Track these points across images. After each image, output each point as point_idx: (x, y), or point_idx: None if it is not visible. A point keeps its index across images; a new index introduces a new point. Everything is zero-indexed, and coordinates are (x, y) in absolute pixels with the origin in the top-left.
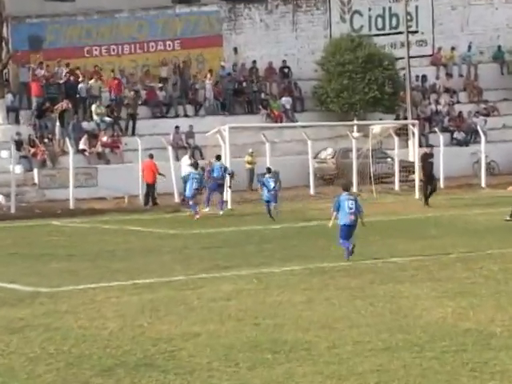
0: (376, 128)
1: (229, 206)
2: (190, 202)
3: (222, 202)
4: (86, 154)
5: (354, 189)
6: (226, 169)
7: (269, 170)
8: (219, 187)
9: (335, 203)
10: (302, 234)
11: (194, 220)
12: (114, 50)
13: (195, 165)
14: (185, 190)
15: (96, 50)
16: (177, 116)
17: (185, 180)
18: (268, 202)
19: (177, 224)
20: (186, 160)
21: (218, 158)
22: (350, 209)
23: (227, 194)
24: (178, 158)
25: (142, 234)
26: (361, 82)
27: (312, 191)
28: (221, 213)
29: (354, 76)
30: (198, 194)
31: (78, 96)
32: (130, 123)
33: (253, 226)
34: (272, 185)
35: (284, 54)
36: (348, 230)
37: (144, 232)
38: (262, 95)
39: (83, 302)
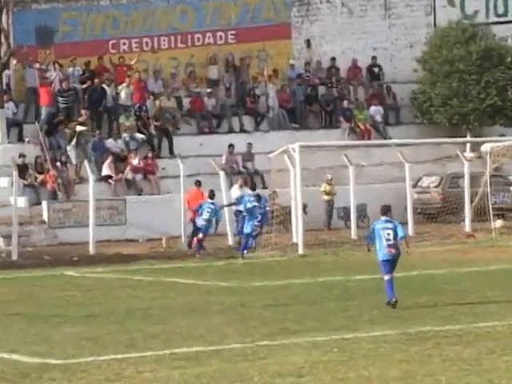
0: (496, 147)
1: (300, 251)
2: (248, 241)
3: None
4: (112, 181)
5: (467, 227)
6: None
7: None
8: None
9: (370, 232)
10: (398, 288)
11: (240, 261)
12: (148, 44)
13: (258, 196)
14: (238, 229)
15: (125, 44)
16: (231, 131)
17: (237, 215)
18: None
19: (231, 274)
20: (235, 191)
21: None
22: (388, 240)
23: (298, 235)
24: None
25: (184, 288)
26: (475, 85)
27: (411, 230)
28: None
29: (467, 77)
30: (259, 232)
31: (101, 106)
32: (168, 141)
33: (332, 277)
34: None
35: (373, 48)
36: (390, 265)
37: (187, 285)
38: (345, 103)
39: (107, 378)
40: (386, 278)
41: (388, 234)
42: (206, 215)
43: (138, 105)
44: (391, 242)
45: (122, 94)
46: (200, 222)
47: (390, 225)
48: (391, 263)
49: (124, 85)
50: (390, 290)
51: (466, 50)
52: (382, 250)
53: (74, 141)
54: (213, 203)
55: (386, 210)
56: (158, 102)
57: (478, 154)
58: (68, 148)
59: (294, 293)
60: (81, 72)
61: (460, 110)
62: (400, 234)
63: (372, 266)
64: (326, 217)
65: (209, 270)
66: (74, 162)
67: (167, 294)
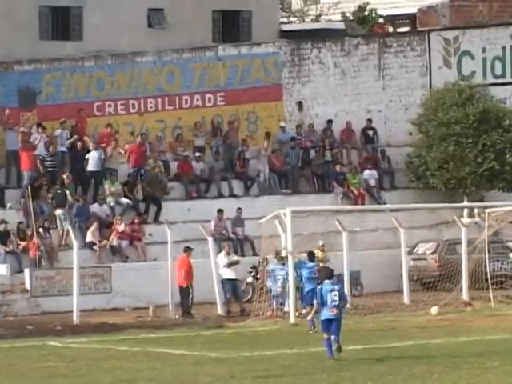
0: (494, 212)
1: (291, 320)
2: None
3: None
4: (96, 248)
5: (464, 295)
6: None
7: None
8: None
9: (318, 294)
10: (392, 358)
11: (229, 331)
12: (134, 106)
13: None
14: (225, 297)
15: (110, 106)
16: (220, 196)
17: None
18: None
19: (220, 344)
20: (222, 258)
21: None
22: (333, 301)
23: (289, 303)
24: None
25: (171, 359)
26: (472, 148)
27: (406, 299)
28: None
29: (464, 140)
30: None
31: (86, 169)
32: (156, 206)
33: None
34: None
35: (367, 110)
36: (330, 325)
37: (175, 355)
38: (337, 167)
39: None
40: (325, 336)
41: (335, 295)
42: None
43: (135, 168)
44: (336, 303)
45: (110, 158)
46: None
47: (336, 287)
48: (332, 322)
49: (109, 148)
50: (328, 347)
51: (463, 112)
52: (325, 311)
53: (58, 207)
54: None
55: (329, 275)
56: (151, 164)
57: (476, 219)
58: (59, 212)
59: (285, 363)
60: (68, 135)
61: (457, 173)
62: (344, 298)
63: (364, 335)
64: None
65: (197, 340)
66: (58, 227)
67: (154, 365)
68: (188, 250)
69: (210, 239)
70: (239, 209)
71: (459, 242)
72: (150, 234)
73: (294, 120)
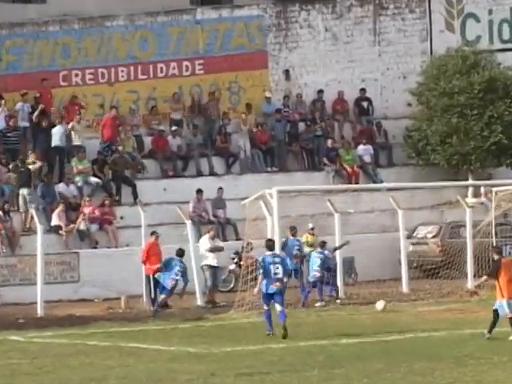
0: (502, 192)
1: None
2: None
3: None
4: (63, 232)
5: (469, 284)
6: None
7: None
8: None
9: (260, 265)
10: (390, 353)
11: (209, 323)
12: (103, 75)
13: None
14: (206, 285)
15: (77, 75)
16: (199, 175)
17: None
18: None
19: (199, 338)
20: (205, 242)
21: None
22: (276, 274)
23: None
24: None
25: (146, 354)
26: (478, 120)
27: (405, 288)
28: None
29: (468, 112)
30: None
31: (51, 146)
32: (129, 186)
33: (315, 341)
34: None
35: (361, 79)
36: (272, 298)
37: (149, 351)
38: (329, 142)
39: None
40: (266, 308)
41: (277, 269)
42: (175, 275)
43: (107, 144)
44: (279, 276)
45: (76, 133)
46: (168, 281)
47: (278, 259)
48: (275, 296)
49: (74, 122)
50: (268, 319)
51: (467, 80)
52: (267, 283)
53: (21, 187)
54: (182, 261)
55: (271, 246)
56: (122, 140)
57: (483, 199)
58: (23, 192)
59: (271, 359)
60: (30, 109)
61: (460, 149)
62: (289, 266)
63: (360, 328)
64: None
65: (174, 334)
66: (20, 210)
67: (126, 361)
68: (154, 234)
69: (189, 222)
70: (220, 189)
71: (463, 224)
72: (121, 217)
73: (281, 90)
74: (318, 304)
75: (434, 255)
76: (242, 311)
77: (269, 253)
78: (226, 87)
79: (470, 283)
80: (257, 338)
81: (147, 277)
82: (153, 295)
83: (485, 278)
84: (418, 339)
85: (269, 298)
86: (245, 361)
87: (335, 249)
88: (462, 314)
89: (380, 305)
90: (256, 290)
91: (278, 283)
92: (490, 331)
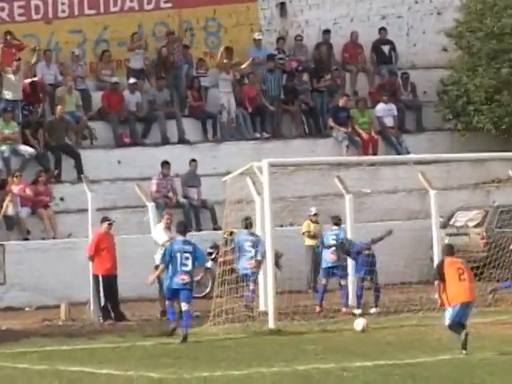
0: None
1: (270, 324)
2: None
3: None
4: None
5: None
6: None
7: None
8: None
9: (168, 253)
10: (419, 380)
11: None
12: (38, 9)
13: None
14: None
15: (3, 9)
16: (165, 142)
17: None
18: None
19: (166, 360)
20: (160, 233)
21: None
22: (183, 265)
23: (267, 300)
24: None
25: (94, 381)
26: None
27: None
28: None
29: None
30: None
31: None
32: (71, 158)
33: (320, 364)
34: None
35: (381, 15)
36: (178, 295)
37: (99, 377)
38: (338, 100)
39: None
40: (168, 303)
41: (186, 259)
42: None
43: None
44: (188, 268)
45: (8, 84)
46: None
47: (188, 247)
48: (180, 292)
49: (9, 70)
50: (172, 315)
51: None
52: (174, 276)
53: None
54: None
55: (182, 229)
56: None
57: None
58: None
59: None
60: None
61: None
62: (201, 260)
63: (378, 346)
64: (311, 272)
65: (131, 354)
66: None
67: None
68: (106, 220)
69: (151, 205)
70: (193, 161)
71: None
72: (61, 199)
73: (275, 30)
74: (372, 310)
75: (477, 250)
76: (221, 323)
77: (180, 238)
78: (201, 26)
79: None
80: (242, 360)
81: (95, 278)
82: (103, 302)
83: (436, 282)
84: (455, 362)
85: (173, 293)
86: None
87: (374, 241)
88: None
89: (359, 324)
90: (151, 278)
91: (185, 276)
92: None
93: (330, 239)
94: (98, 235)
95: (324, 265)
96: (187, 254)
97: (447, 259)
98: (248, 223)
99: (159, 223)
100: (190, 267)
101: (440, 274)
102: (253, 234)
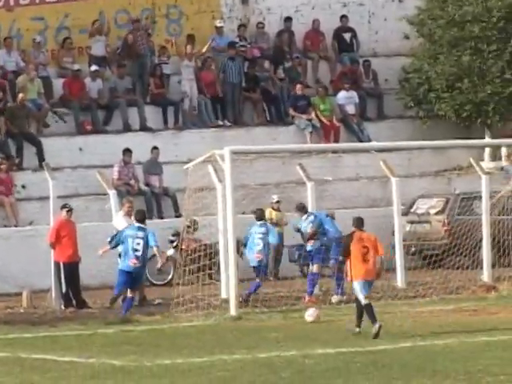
0: None
1: (232, 311)
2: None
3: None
4: None
5: (485, 275)
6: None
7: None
8: None
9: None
10: (380, 367)
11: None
12: None
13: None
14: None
15: None
16: (127, 129)
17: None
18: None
19: (128, 347)
20: (120, 221)
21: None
22: (135, 250)
23: (229, 287)
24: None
25: (56, 369)
26: (497, 59)
27: (400, 281)
28: None
29: (484, 48)
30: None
31: None
32: (32, 145)
33: (281, 351)
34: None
35: (342, 3)
36: (130, 278)
37: (61, 364)
38: (299, 88)
39: None
40: (129, 294)
41: (138, 244)
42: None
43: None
44: (138, 254)
45: None
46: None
47: (141, 233)
48: (131, 276)
49: None
50: (126, 306)
51: (483, 5)
52: (126, 259)
53: None
54: (142, 228)
55: (141, 217)
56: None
57: (503, 164)
58: None
59: (223, 375)
60: None
61: (474, 96)
62: (151, 243)
63: (339, 333)
64: (272, 260)
65: (93, 342)
66: None
67: (30, 378)
68: (65, 207)
69: (112, 193)
70: (155, 148)
71: (478, 196)
72: (23, 186)
73: (236, 18)
74: (334, 298)
75: (438, 237)
76: (183, 311)
77: (136, 224)
78: (162, 14)
79: (487, 275)
80: (204, 348)
81: (57, 265)
82: (64, 289)
83: (340, 259)
84: (417, 349)
85: (125, 278)
86: (187, 377)
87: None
88: (476, 316)
89: (311, 315)
90: (101, 251)
91: (136, 261)
92: (358, 324)
93: (309, 228)
94: (59, 222)
95: (251, 263)
96: (139, 240)
97: (355, 235)
98: (141, 216)
99: (120, 211)
100: (140, 252)
101: (347, 251)
102: (142, 229)
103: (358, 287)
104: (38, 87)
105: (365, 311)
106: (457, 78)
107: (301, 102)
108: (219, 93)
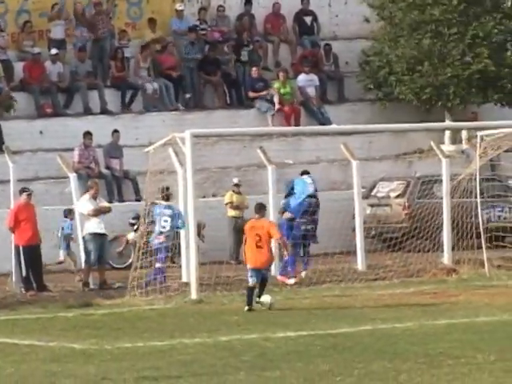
0: (488, 136)
1: (193, 295)
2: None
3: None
4: None
5: (445, 258)
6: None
7: None
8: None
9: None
10: (340, 350)
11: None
12: None
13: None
14: (87, 261)
15: None
16: (87, 112)
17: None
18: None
19: (88, 331)
20: (85, 204)
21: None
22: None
23: (190, 270)
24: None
25: (16, 352)
26: (458, 42)
27: (361, 264)
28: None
29: (444, 31)
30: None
31: None
32: None
33: (242, 334)
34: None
35: None
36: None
37: (21, 347)
38: (259, 71)
39: None
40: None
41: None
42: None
43: None
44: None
45: None
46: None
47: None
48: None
49: None
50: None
51: None
52: None
53: None
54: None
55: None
56: None
57: (464, 146)
58: None
59: (183, 359)
60: None
61: (434, 79)
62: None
63: (300, 317)
64: (234, 243)
65: (53, 325)
66: None
67: None
68: (24, 191)
69: (73, 176)
70: (116, 132)
71: (438, 179)
72: None
73: (197, 1)
74: (290, 281)
75: (398, 220)
76: (143, 294)
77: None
78: None
79: (447, 257)
80: (164, 331)
81: (17, 248)
82: (25, 273)
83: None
84: (378, 332)
85: None
86: (148, 360)
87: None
88: (436, 299)
89: (266, 301)
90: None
91: None
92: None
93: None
94: (17, 206)
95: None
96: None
97: (250, 222)
98: (166, 195)
99: (85, 194)
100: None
101: (243, 239)
102: (170, 207)
103: (249, 273)
104: None
105: (246, 291)
106: (417, 61)
107: (258, 84)
108: (179, 76)
